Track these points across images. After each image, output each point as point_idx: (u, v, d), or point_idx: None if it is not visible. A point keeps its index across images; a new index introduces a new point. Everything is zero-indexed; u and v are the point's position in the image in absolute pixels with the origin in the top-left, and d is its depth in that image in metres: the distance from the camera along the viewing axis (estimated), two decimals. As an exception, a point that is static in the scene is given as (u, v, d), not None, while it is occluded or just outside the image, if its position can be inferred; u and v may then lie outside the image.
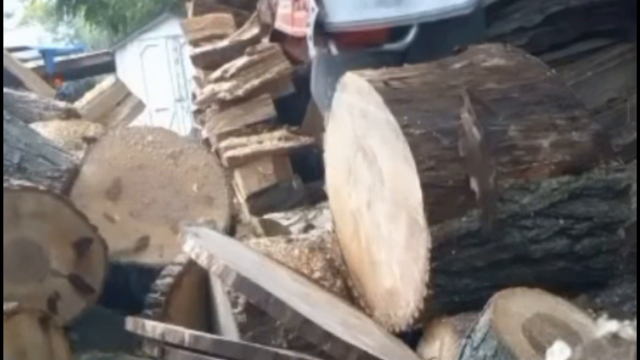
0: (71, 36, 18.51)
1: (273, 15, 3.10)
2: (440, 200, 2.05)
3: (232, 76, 4.52)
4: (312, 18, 2.60)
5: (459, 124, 2.14)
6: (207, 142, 4.76)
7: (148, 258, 2.92)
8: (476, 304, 1.97)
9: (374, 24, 2.58)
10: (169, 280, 2.52)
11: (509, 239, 2.10)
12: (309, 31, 2.63)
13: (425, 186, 2.04)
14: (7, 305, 2.20)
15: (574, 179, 2.16)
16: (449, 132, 2.13)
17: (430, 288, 2.06)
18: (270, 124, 4.54)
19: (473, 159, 2.09)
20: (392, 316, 2.26)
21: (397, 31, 2.66)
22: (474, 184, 2.07)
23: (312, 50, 2.68)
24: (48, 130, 3.92)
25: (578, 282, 2.21)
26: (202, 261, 2.20)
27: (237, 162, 4.37)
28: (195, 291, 2.55)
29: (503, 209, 2.09)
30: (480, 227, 2.06)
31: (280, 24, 3.04)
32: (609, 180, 2.18)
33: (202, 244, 2.25)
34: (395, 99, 2.19)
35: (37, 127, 3.75)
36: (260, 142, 4.40)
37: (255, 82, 4.48)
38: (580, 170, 2.17)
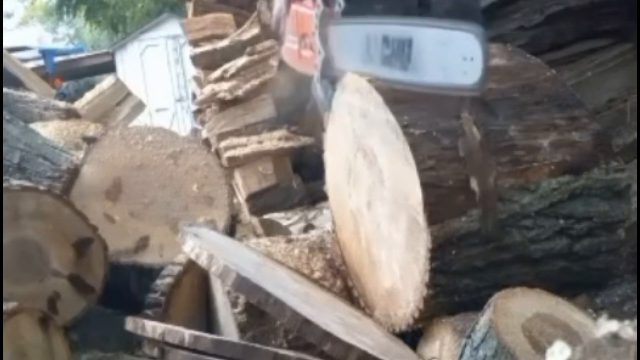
0: (71, 36, 18.53)
1: (280, 40, 3.08)
2: (440, 200, 2.05)
3: (232, 76, 4.52)
4: (319, 61, 2.58)
5: (459, 124, 2.14)
6: (207, 142, 4.75)
7: (148, 258, 2.92)
8: (476, 304, 1.97)
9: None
10: (169, 280, 2.52)
11: (509, 239, 2.10)
12: (316, 73, 2.61)
13: (425, 186, 2.04)
14: (7, 305, 2.19)
15: (574, 179, 2.16)
16: (449, 132, 2.12)
17: (430, 288, 2.06)
18: (270, 124, 4.54)
19: (473, 159, 2.09)
20: (392, 316, 2.26)
21: None
22: (474, 184, 2.07)
23: (320, 93, 2.64)
24: (48, 130, 3.92)
25: (578, 282, 2.21)
26: (202, 261, 2.20)
27: (237, 162, 4.37)
28: (195, 291, 2.55)
29: (503, 209, 2.09)
30: (480, 227, 2.06)
31: (287, 58, 3.02)
32: (609, 180, 2.18)
33: (202, 244, 2.25)
34: (395, 99, 2.19)
35: (37, 127, 3.75)
36: (260, 142, 4.39)
37: (255, 82, 4.47)
38: (580, 170, 2.17)
